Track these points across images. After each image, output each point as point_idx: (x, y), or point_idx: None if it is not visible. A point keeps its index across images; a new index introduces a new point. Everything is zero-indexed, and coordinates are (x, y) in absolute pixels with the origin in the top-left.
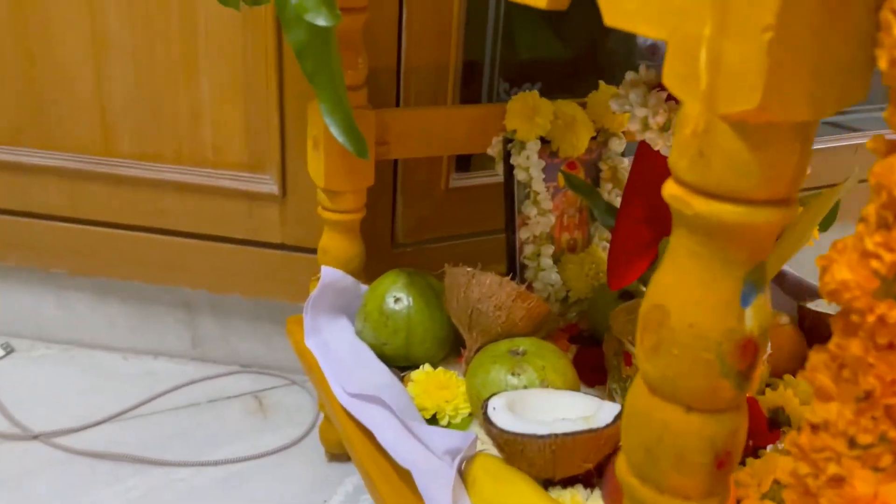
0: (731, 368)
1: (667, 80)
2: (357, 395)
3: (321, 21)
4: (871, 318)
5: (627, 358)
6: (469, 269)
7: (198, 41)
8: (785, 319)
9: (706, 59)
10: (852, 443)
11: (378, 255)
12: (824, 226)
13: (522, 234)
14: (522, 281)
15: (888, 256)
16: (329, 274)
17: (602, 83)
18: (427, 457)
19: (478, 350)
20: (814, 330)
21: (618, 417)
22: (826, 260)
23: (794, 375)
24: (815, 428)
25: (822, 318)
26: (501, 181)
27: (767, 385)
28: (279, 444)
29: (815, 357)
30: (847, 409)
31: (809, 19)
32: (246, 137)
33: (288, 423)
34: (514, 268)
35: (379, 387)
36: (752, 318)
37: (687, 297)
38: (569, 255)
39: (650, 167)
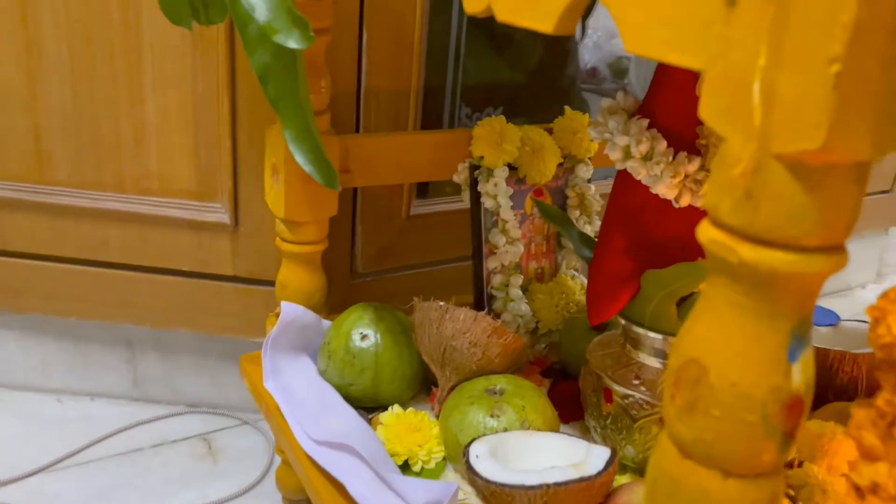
0: (776, 430)
1: (704, 114)
2: (324, 443)
3: (292, 43)
4: None
5: (608, 394)
6: (442, 303)
7: (143, 60)
8: None
9: (760, 93)
10: None
11: (336, 286)
12: None
13: (490, 263)
14: (490, 312)
15: None
16: (290, 310)
17: (568, 109)
18: None
19: (451, 389)
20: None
21: (609, 463)
22: (879, 311)
23: None
24: (860, 491)
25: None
26: (463, 207)
27: None
28: (231, 490)
29: (861, 413)
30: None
31: (878, 50)
32: (195, 164)
33: (240, 468)
34: (481, 298)
35: (347, 433)
36: (799, 374)
37: (728, 353)
38: (537, 285)
39: (631, 197)
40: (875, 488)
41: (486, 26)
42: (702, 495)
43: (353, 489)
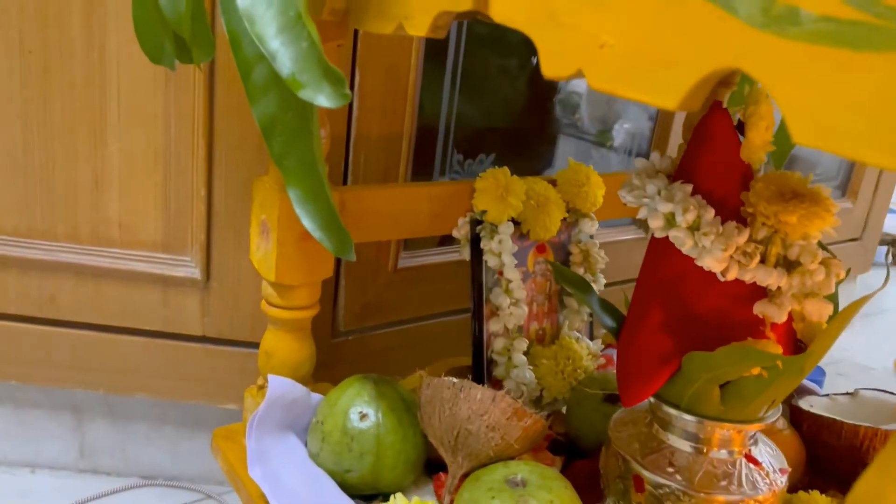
0: None
1: None
2: None
3: (323, 101)
4: None
5: (638, 483)
6: (455, 380)
7: (108, 97)
8: (782, 424)
9: None
10: None
11: (316, 346)
12: None
13: (492, 325)
14: (490, 377)
15: None
16: (277, 385)
17: (572, 160)
18: None
19: (464, 477)
20: (815, 437)
21: None
22: None
23: (797, 489)
24: None
25: (825, 423)
26: (451, 259)
27: None
28: None
29: None
30: None
31: None
32: (163, 213)
33: None
34: (480, 363)
35: None
36: None
37: None
38: (540, 349)
39: (668, 267)
40: None
41: (479, 70)
42: None
43: None
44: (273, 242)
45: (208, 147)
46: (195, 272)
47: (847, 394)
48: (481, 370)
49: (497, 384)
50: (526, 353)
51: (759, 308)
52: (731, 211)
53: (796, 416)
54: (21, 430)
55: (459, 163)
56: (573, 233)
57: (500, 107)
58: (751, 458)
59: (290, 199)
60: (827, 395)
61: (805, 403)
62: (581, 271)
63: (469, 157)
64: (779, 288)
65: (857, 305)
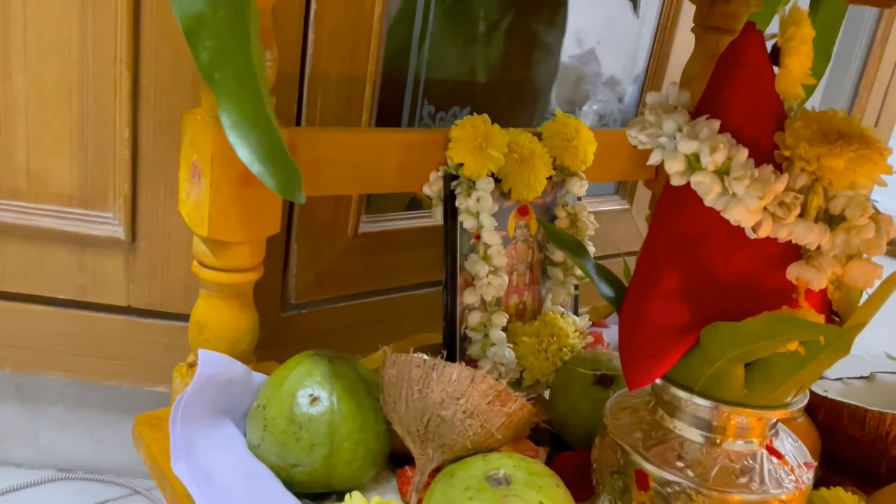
0: None
1: None
2: None
3: None
4: None
5: (642, 479)
6: (426, 357)
7: (10, 18)
8: (800, 413)
9: None
10: None
11: (263, 319)
12: None
13: (467, 297)
14: (463, 357)
15: None
16: (210, 362)
17: (560, 112)
18: None
19: (434, 472)
20: (833, 425)
21: None
22: None
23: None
24: None
25: (842, 409)
26: (420, 224)
27: None
28: None
29: None
30: None
31: None
32: (80, 159)
33: None
34: (453, 341)
35: None
36: None
37: None
38: (520, 326)
39: (687, 223)
40: None
41: (456, 13)
42: None
43: None
44: (205, 188)
45: (133, 78)
46: (118, 231)
47: (862, 378)
48: (454, 348)
49: (472, 364)
50: (504, 330)
51: (795, 271)
52: (764, 155)
53: (810, 402)
54: None
55: (430, 115)
56: (559, 194)
57: (479, 57)
58: (773, 451)
59: (223, 125)
60: (839, 378)
61: (818, 388)
62: None
63: (441, 110)
64: (818, 247)
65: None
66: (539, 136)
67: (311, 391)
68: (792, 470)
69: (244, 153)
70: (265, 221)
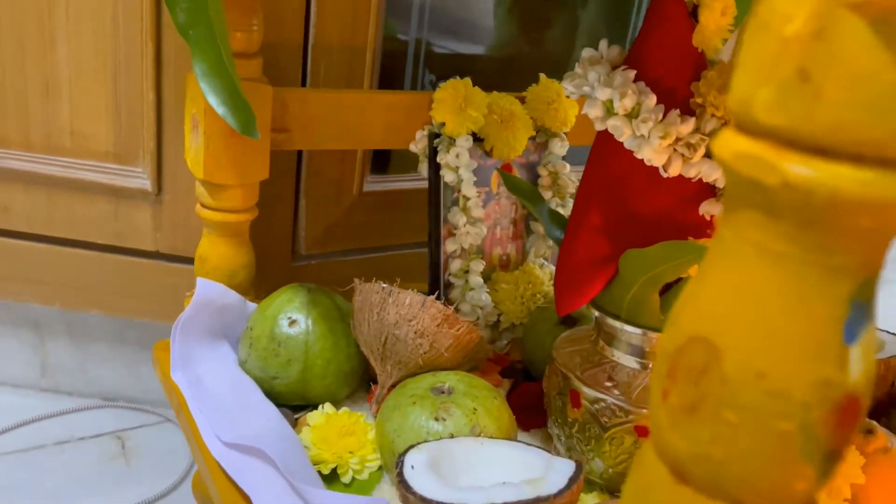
0: (820, 446)
1: None
2: (233, 446)
3: None
4: None
5: (575, 398)
6: (385, 285)
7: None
8: None
9: None
10: None
11: (275, 268)
12: None
13: (448, 246)
14: (447, 301)
15: None
16: (206, 288)
17: (543, 76)
18: None
19: (392, 386)
20: None
21: (573, 480)
22: None
23: None
24: None
25: None
26: (426, 186)
27: None
28: (142, 497)
29: None
30: None
31: None
32: (114, 120)
33: (155, 472)
34: (437, 286)
35: (261, 435)
36: (860, 362)
37: (754, 329)
38: (500, 274)
39: (611, 165)
40: None
41: None
42: None
43: (258, 503)
44: (201, 137)
45: (156, 49)
46: (146, 184)
47: None
48: (438, 293)
49: (453, 308)
50: (487, 279)
51: (705, 208)
52: (681, 102)
53: None
54: None
55: (432, 83)
56: (542, 154)
57: (481, 28)
58: None
59: (196, 74)
60: None
61: None
62: (549, 195)
63: (442, 79)
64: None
65: None
66: (523, 99)
67: (290, 315)
68: None
69: (211, 98)
70: (254, 168)
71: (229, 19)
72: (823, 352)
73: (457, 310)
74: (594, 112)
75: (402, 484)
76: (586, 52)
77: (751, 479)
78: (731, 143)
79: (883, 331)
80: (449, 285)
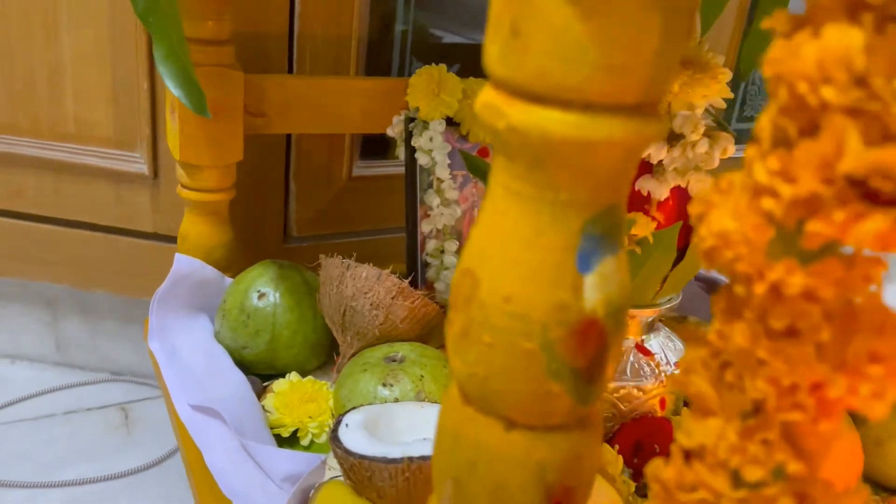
0: (565, 365)
1: None
2: (197, 408)
3: None
4: (760, 288)
5: None
6: (344, 259)
7: None
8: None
9: None
10: (737, 479)
11: (267, 250)
12: None
13: (424, 227)
14: (424, 281)
15: (787, 190)
16: (183, 264)
17: None
18: (264, 484)
19: (352, 356)
20: None
21: None
22: (703, 205)
23: None
24: (688, 456)
25: None
26: None
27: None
28: (139, 464)
29: (691, 354)
30: (731, 429)
31: None
32: (113, 107)
33: (154, 441)
34: (414, 265)
35: (223, 398)
36: (597, 290)
37: (501, 259)
38: None
39: None
40: (702, 452)
41: None
42: (480, 451)
43: (210, 460)
44: (177, 121)
45: (148, 39)
46: (143, 168)
47: None
48: (415, 273)
49: (430, 287)
50: None
51: (640, 183)
52: None
53: None
54: (1, 323)
55: None
56: None
57: (470, 16)
58: (641, 348)
59: (155, 58)
60: None
61: None
62: None
63: None
64: (660, 162)
65: None
66: None
67: (259, 288)
68: (657, 366)
69: (168, 81)
70: (228, 150)
71: (199, 8)
72: (559, 279)
73: (432, 288)
74: None
75: (333, 440)
76: None
77: (510, 395)
78: (481, 95)
79: None
80: (426, 265)
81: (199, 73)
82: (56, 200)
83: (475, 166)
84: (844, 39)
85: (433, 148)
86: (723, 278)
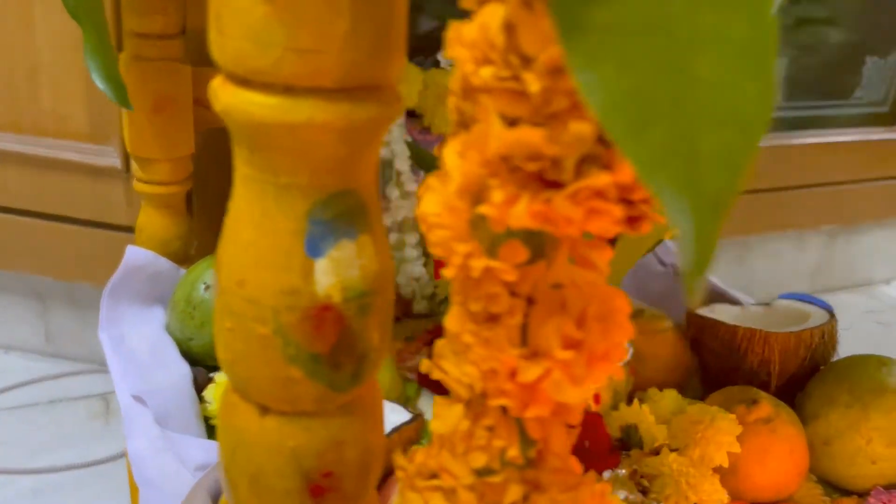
0: (302, 350)
1: None
2: (136, 397)
3: None
4: (450, 272)
5: None
6: None
7: None
8: (666, 324)
9: None
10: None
11: None
12: None
13: (385, 219)
14: None
15: (457, 174)
16: (135, 256)
17: None
18: (178, 473)
19: None
20: (698, 339)
21: (397, 428)
22: (424, 187)
23: (672, 388)
24: (436, 443)
25: (707, 323)
26: None
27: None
28: (113, 452)
29: (442, 340)
30: (466, 416)
31: None
32: (87, 103)
33: None
34: None
35: (160, 389)
36: (330, 274)
37: (235, 243)
38: None
39: None
40: (443, 439)
41: None
42: (239, 437)
43: (132, 447)
44: (125, 113)
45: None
46: (117, 162)
47: (763, 304)
48: None
49: None
50: (427, 253)
51: None
52: None
53: (689, 321)
54: None
55: None
56: None
57: (444, 7)
58: None
59: (84, 52)
60: (740, 304)
61: (706, 310)
62: None
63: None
64: None
65: None
66: None
67: (206, 280)
68: None
69: (94, 73)
70: (178, 142)
71: (146, 3)
72: (288, 263)
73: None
74: None
75: None
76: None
77: (254, 381)
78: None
79: (812, 303)
80: None
81: (147, 67)
82: (38, 194)
83: (420, 157)
84: (491, 17)
85: (391, 140)
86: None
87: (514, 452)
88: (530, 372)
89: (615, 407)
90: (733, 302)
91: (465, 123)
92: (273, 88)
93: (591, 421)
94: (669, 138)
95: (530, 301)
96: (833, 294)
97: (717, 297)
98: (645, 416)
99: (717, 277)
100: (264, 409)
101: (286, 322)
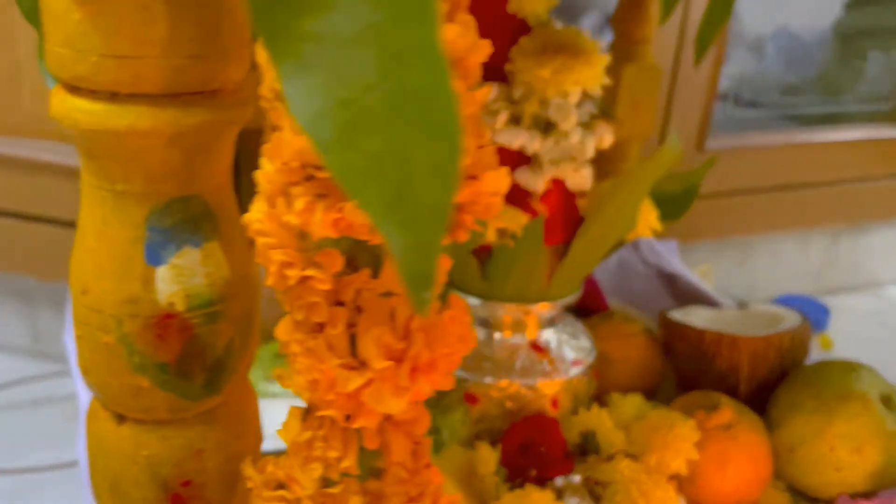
0: (147, 358)
1: None
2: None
3: None
4: (270, 280)
5: None
6: None
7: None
8: (637, 327)
9: None
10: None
11: None
12: (674, 212)
13: None
14: None
15: (265, 179)
16: None
17: None
18: None
19: None
20: (669, 342)
21: None
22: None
23: (643, 392)
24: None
25: (676, 327)
26: None
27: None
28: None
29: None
30: (306, 428)
31: None
32: None
33: None
34: None
35: None
36: (172, 283)
37: (79, 251)
38: None
39: None
40: (293, 447)
41: None
42: (99, 445)
43: (80, 446)
44: None
45: None
46: None
47: (741, 306)
48: None
49: None
50: None
51: (517, 176)
52: (498, 70)
53: (662, 324)
54: None
55: None
56: None
57: None
58: (535, 346)
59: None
60: (716, 307)
61: (681, 312)
62: None
63: None
64: (536, 153)
65: (647, 173)
66: None
67: None
68: (552, 362)
69: (47, 76)
70: None
71: None
72: (128, 271)
73: None
74: None
75: None
76: None
77: (105, 389)
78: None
79: (786, 305)
80: None
81: None
82: (17, 195)
83: None
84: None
85: None
86: (691, 276)
87: (348, 463)
88: (350, 382)
89: (575, 411)
90: (711, 304)
91: (274, 129)
92: (99, 95)
93: (546, 425)
94: (382, 150)
95: (359, 310)
96: (837, 296)
97: (695, 298)
98: (604, 421)
99: (716, 278)
100: (121, 418)
101: (129, 331)
